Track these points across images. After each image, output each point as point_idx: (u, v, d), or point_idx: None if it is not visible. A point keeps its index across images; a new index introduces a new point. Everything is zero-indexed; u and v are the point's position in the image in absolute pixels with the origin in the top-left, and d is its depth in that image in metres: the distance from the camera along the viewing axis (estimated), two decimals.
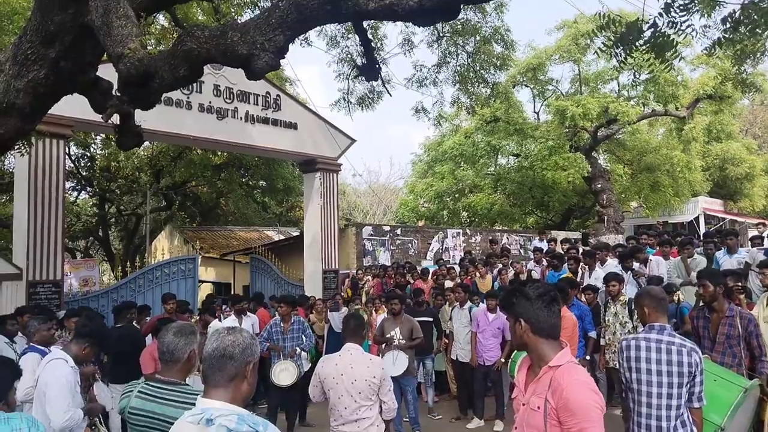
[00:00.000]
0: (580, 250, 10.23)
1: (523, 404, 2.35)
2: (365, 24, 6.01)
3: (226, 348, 1.85)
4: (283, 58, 3.96)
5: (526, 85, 20.95)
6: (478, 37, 10.37)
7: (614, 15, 3.49)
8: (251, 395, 1.92)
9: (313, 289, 12.37)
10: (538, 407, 2.23)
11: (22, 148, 6.70)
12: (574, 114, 17.16)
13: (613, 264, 8.77)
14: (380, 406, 3.92)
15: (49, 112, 5.54)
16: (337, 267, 13.25)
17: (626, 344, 3.42)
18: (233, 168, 20.05)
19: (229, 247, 19.61)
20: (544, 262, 10.07)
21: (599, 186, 19.18)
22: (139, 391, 2.55)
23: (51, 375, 3.71)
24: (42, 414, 3.59)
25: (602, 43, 3.79)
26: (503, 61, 11.35)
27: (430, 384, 7.91)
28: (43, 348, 4.50)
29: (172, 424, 2.36)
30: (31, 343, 4.75)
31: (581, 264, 8.84)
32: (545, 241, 13.33)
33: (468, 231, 17.54)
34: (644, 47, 3.52)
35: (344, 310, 9.09)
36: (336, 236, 13.35)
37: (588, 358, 6.91)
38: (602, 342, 6.96)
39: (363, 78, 8.02)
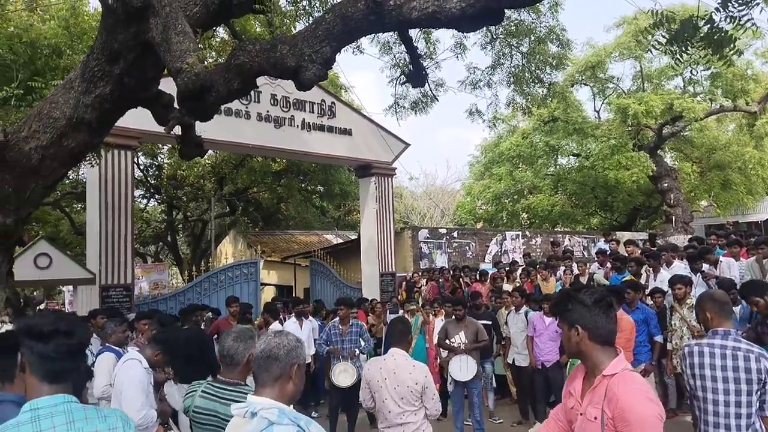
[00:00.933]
0: (640, 252, 9.88)
1: (581, 414, 2.30)
2: (415, 31, 6.04)
3: (272, 350, 1.95)
4: (330, 68, 4.03)
5: (585, 84, 20.41)
6: (532, 38, 10.17)
7: (667, 12, 3.36)
8: (297, 395, 1.99)
9: (370, 292, 12.48)
10: (595, 417, 2.18)
11: (92, 159, 7.10)
12: (637, 112, 16.59)
13: (680, 266, 8.43)
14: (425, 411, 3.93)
15: (117, 124, 5.84)
16: (393, 270, 13.32)
17: (689, 350, 3.28)
18: (292, 174, 20.51)
19: (289, 251, 20.04)
20: (608, 265, 9.78)
21: (666, 185, 18.43)
22: (203, 391, 2.69)
23: (126, 375, 3.92)
24: None
25: (655, 40, 3.65)
26: (559, 60, 11.09)
27: (490, 387, 7.87)
28: (118, 349, 4.75)
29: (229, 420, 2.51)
30: (107, 344, 5.02)
31: (645, 266, 8.54)
32: (607, 242, 12.94)
33: (528, 233, 17.24)
34: (700, 44, 3.37)
35: (402, 312, 9.14)
36: (392, 240, 13.42)
37: (655, 363, 6.68)
38: (669, 347, 6.70)
39: (411, 85, 8.05)
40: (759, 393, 3.05)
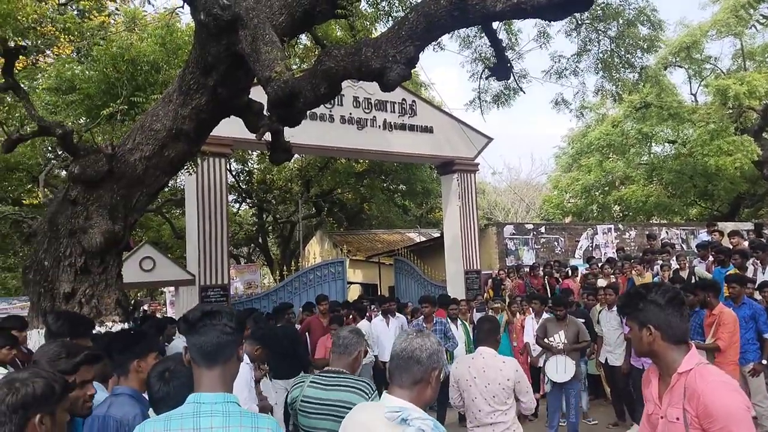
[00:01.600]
0: (746, 244, 9.19)
1: (662, 417, 2.19)
2: (496, 23, 5.93)
3: (414, 351, 1.86)
4: (414, 68, 4.05)
5: (679, 66, 19.29)
6: (621, 21, 9.73)
7: None
8: (432, 401, 1.95)
9: (455, 290, 12.40)
10: (677, 418, 2.08)
11: (190, 167, 7.52)
12: (738, 93, 15.47)
13: None
14: (517, 409, 3.86)
15: (212, 134, 6.16)
16: (478, 267, 13.17)
17: None
18: (374, 174, 20.77)
19: (373, 250, 20.31)
20: (710, 258, 9.18)
21: None
22: (312, 381, 2.79)
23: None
24: None
25: (760, 14, 3.37)
26: (651, 42, 10.53)
27: (584, 387, 7.59)
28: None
29: (345, 407, 2.55)
30: None
31: (752, 259, 7.95)
32: (710, 234, 12.14)
33: (621, 226, 16.50)
34: None
35: (487, 310, 9.03)
36: (476, 236, 13.27)
37: (765, 362, 6.19)
38: None
39: (495, 78, 7.91)
40: None
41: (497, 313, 8.13)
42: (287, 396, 2.97)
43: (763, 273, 7.57)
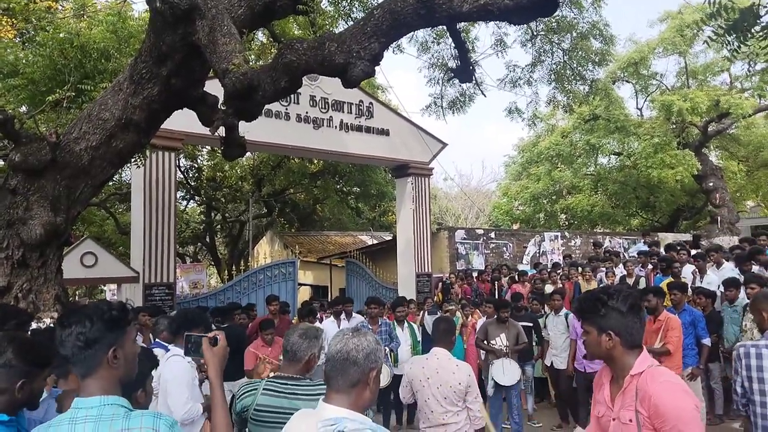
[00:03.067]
0: (689, 253, 9.61)
1: (614, 419, 2.23)
2: (461, 24, 5.97)
3: (349, 352, 1.78)
4: (378, 65, 4.02)
5: (627, 81, 20.00)
6: (574, 34, 10.00)
7: (726, 1, 3.23)
8: (372, 404, 1.87)
9: (406, 292, 12.41)
10: (630, 420, 2.12)
11: (138, 160, 7.26)
12: (682, 108, 16.14)
13: (729, 267, 8.17)
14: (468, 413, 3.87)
15: (162, 126, 5.96)
16: (430, 270, 13.26)
17: (745, 351, 3.18)
18: (328, 175, 20.65)
19: (325, 252, 20.17)
20: (649, 266, 9.54)
21: (711, 184, 17.90)
22: (265, 389, 2.65)
23: (170, 371, 3.98)
24: (165, 407, 3.87)
25: (712, 32, 3.51)
26: (602, 56, 10.86)
27: (530, 390, 7.73)
28: (166, 344, 4.83)
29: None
30: (157, 339, 5.13)
31: (693, 267, 8.31)
32: (646, 243, 12.61)
33: (567, 234, 16.94)
34: (761, 34, 3.22)
35: (440, 313, 9.09)
36: (428, 240, 13.36)
37: (702, 366, 6.46)
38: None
39: (457, 80, 7.96)
40: None
41: (453, 315, 8.18)
42: (233, 401, 2.80)
43: (701, 281, 7.89)
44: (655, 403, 2.04)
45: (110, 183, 12.62)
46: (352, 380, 1.78)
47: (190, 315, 4.31)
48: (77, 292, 20.81)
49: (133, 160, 6.74)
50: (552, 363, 7.37)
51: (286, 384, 2.65)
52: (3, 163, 10.73)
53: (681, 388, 2.08)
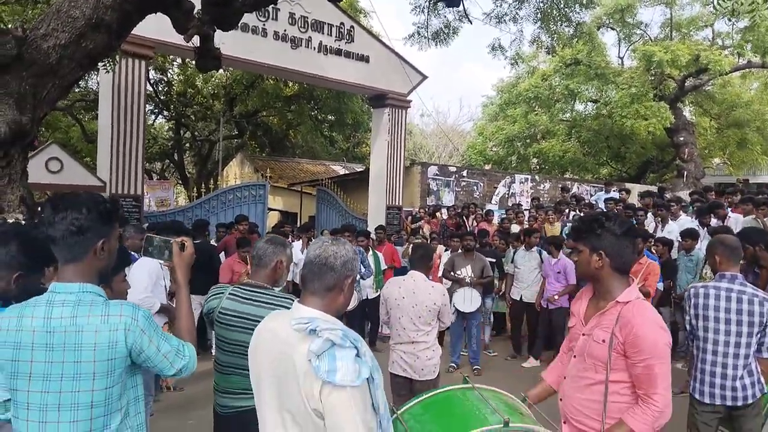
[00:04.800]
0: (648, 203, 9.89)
1: (584, 334, 2.36)
2: None
3: (327, 258, 1.81)
4: None
5: (612, 28, 19.79)
6: None
7: None
8: (345, 309, 1.91)
9: (376, 224, 12.48)
10: (603, 340, 2.25)
11: (108, 65, 6.99)
12: (662, 60, 16.13)
13: (687, 219, 8.45)
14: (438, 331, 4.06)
15: (133, 32, 5.70)
16: (400, 204, 13.35)
17: (695, 291, 3.36)
18: (303, 100, 20.21)
19: (296, 179, 20.04)
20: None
21: (682, 139, 18.19)
22: (230, 293, 2.72)
23: (138, 265, 4.04)
24: None
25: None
26: None
27: (488, 322, 8.05)
28: (133, 253, 4.84)
29: (258, 320, 2.54)
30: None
31: (655, 217, 8.58)
32: (608, 192, 12.91)
33: (537, 177, 17.17)
34: None
35: (406, 245, 9.28)
36: (401, 173, 13.38)
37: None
38: None
39: (443, 5, 7.75)
40: (759, 336, 3.18)
41: None
42: (203, 307, 2.89)
43: (662, 230, 8.17)
44: (635, 333, 2.16)
45: (76, 89, 12.14)
46: (328, 285, 1.81)
47: (171, 224, 4.36)
48: (41, 198, 20.36)
49: (102, 63, 6.48)
50: (522, 297, 7.60)
51: (253, 291, 2.71)
52: None
53: (660, 325, 2.21)
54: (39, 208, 5.10)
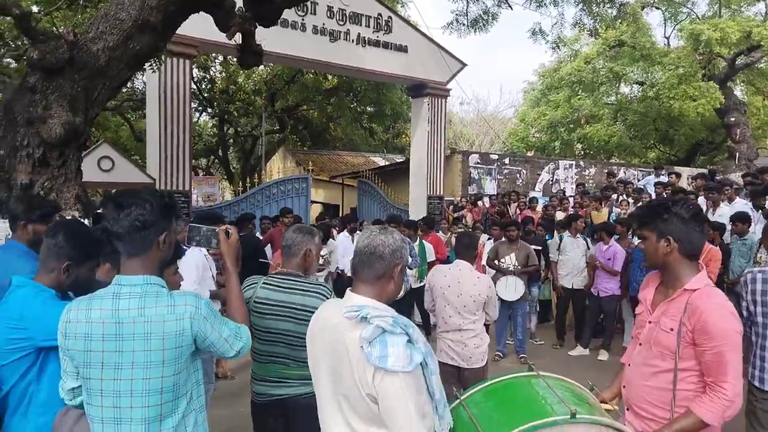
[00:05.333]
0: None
1: (650, 322, 2.32)
2: None
3: (376, 247, 1.83)
4: None
5: (656, 7, 19.16)
6: None
7: None
8: (396, 296, 1.92)
9: (417, 214, 12.53)
10: (671, 329, 2.19)
11: (154, 64, 7.19)
12: (711, 38, 15.50)
13: (742, 202, 8.15)
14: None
15: (178, 32, 5.85)
16: (441, 193, 13.30)
17: (751, 277, 3.24)
18: (343, 93, 20.31)
19: (337, 171, 20.19)
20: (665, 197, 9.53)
21: (733, 119, 17.48)
22: (264, 282, 2.78)
23: (185, 258, 4.17)
24: None
25: None
26: None
27: (534, 310, 7.98)
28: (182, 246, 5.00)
29: (299, 309, 2.61)
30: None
31: (707, 201, 8.30)
32: (658, 176, 12.52)
33: (582, 163, 16.81)
34: None
35: (448, 234, 9.26)
36: (441, 163, 13.32)
37: None
38: None
39: None
40: None
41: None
42: None
43: (713, 214, 7.90)
44: (705, 320, 2.10)
45: (123, 90, 12.54)
46: (378, 273, 1.84)
47: (207, 214, 4.48)
48: (92, 199, 21.12)
49: (148, 63, 6.68)
50: (572, 284, 7.49)
51: (285, 279, 2.77)
52: (16, 64, 10.63)
53: (731, 312, 2.14)
54: (96, 205, 5.31)
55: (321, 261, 7.31)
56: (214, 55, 18.45)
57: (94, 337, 1.77)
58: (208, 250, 4.40)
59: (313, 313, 2.57)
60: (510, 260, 6.80)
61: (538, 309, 8.18)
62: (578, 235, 7.57)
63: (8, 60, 10.81)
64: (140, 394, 1.77)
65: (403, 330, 1.71)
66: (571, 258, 7.47)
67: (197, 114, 23.30)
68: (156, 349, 1.77)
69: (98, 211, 5.88)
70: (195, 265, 4.24)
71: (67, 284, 2.22)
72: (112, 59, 5.16)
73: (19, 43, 9.85)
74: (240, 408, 5.07)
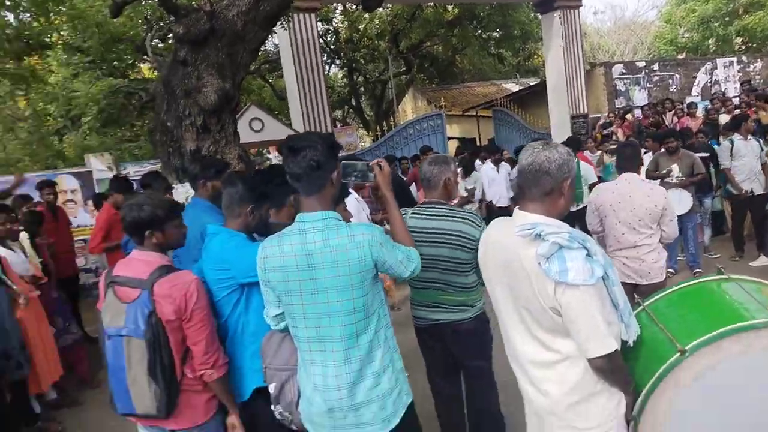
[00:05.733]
0: None
1: None
2: None
3: (541, 164, 1.77)
4: None
5: None
6: None
7: None
8: (567, 211, 1.87)
9: (560, 137, 11.93)
10: None
11: (284, 22, 7.42)
12: None
13: None
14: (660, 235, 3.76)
15: None
16: (586, 111, 12.49)
17: None
18: (466, 21, 19.59)
19: (469, 104, 19.75)
20: None
21: None
22: (413, 213, 2.85)
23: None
24: None
25: None
26: None
27: (707, 223, 7.38)
28: None
29: (449, 233, 2.69)
30: None
31: None
32: None
33: (744, 58, 14.82)
34: None
35: (598, 153, 8.71)
36: (582, 78, 12.45)
37: None
38: None
39: None
40: None
41: (612, 156, 7.79)
42: None
43: None
44: None
45: (260, 52, 13.17)
46: (545, 189, 1.78)
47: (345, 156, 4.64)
48: (253, 158, 22.74)
49: (279, 22, 6.92)
50: (752, 190, 6.76)
51: (431, 207, 2.82)
52: (162, 44, 11.53)
53: None
54: (256, 164, 5.70)
55: (465, 194, 7.27)
56: (334, 5, 18.60)
57: (290, 269, 1.96)
58: (363, 187, 4.58)
59: (466, 238, 2.66)
60: (674, 171, 6.25)
61: (710, 221, 7.53)
62: (749, 137, 6.77)
63: (156, 41, 11.77)
64: (337, 314, 1.95)
65: (581, 244, 1.67)
66: (746, 162, 6.71)
67: (327, 66, 23.87)
68: (343, 275, 1.92)
69: (257, 167, 6.34)
70: (353, 206, 4.46)
71: (253, 225, 2.47)
72: (247, 23, 5.41)
73: (161, 24, 10.64)
74: (409, 335, 5.30)
